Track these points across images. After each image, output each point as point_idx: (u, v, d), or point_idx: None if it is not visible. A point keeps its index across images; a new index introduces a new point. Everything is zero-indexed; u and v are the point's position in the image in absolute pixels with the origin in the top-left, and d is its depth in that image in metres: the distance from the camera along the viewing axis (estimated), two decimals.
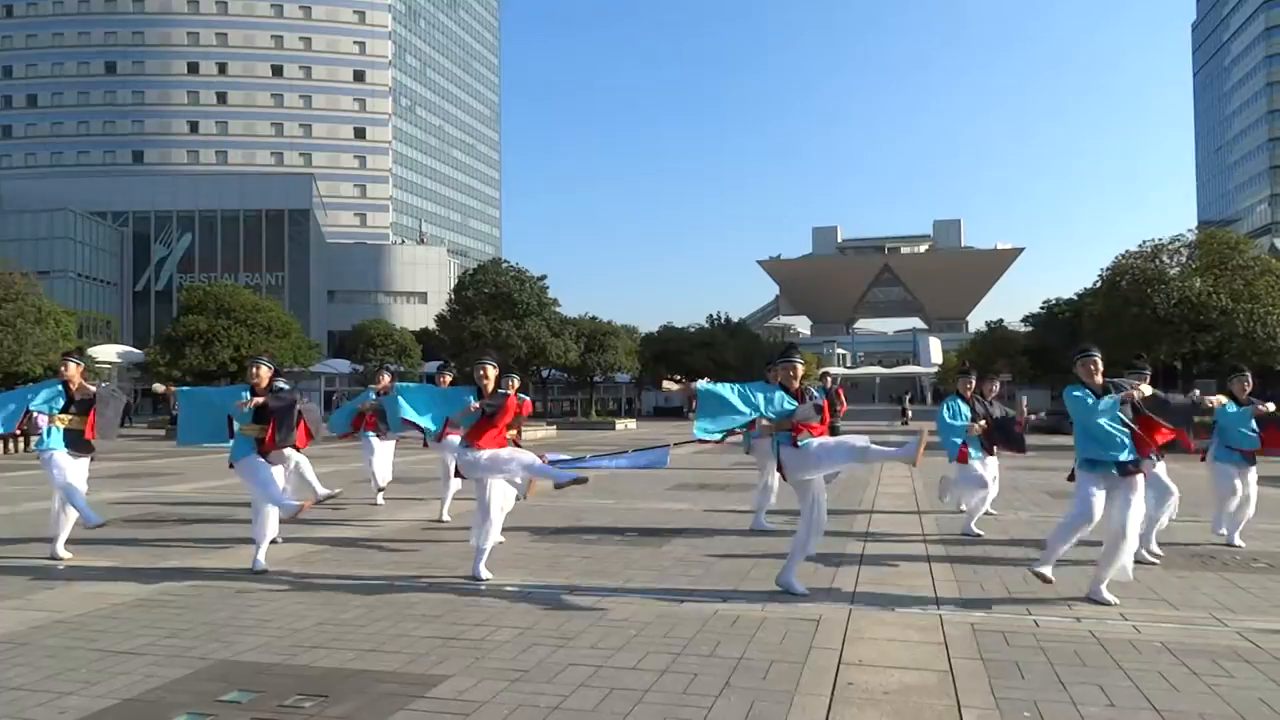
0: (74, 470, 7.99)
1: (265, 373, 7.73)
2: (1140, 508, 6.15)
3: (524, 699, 4.17)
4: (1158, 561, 7.49)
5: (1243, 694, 4.22)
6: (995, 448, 9.43)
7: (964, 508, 9.57)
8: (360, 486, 12.96)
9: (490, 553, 7.10)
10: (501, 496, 7.37)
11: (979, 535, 9.00)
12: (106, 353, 45.49)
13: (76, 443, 8.02)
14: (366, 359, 50.38)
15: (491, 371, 7.13)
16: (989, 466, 9.37)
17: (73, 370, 8.16)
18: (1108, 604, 5.95)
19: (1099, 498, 6.02)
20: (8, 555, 8.16)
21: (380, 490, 11.79)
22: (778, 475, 9.32)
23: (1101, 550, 6.09)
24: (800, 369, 6.53)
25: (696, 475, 15.88)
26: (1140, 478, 6.08)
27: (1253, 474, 8.37)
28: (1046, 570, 6.05)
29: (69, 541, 8.07)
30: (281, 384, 8.34)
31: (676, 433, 35.39)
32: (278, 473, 7.78)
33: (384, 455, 11.71)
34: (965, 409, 9.23)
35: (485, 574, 6.90)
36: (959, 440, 9.13)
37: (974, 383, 9.39)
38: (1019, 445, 9.54)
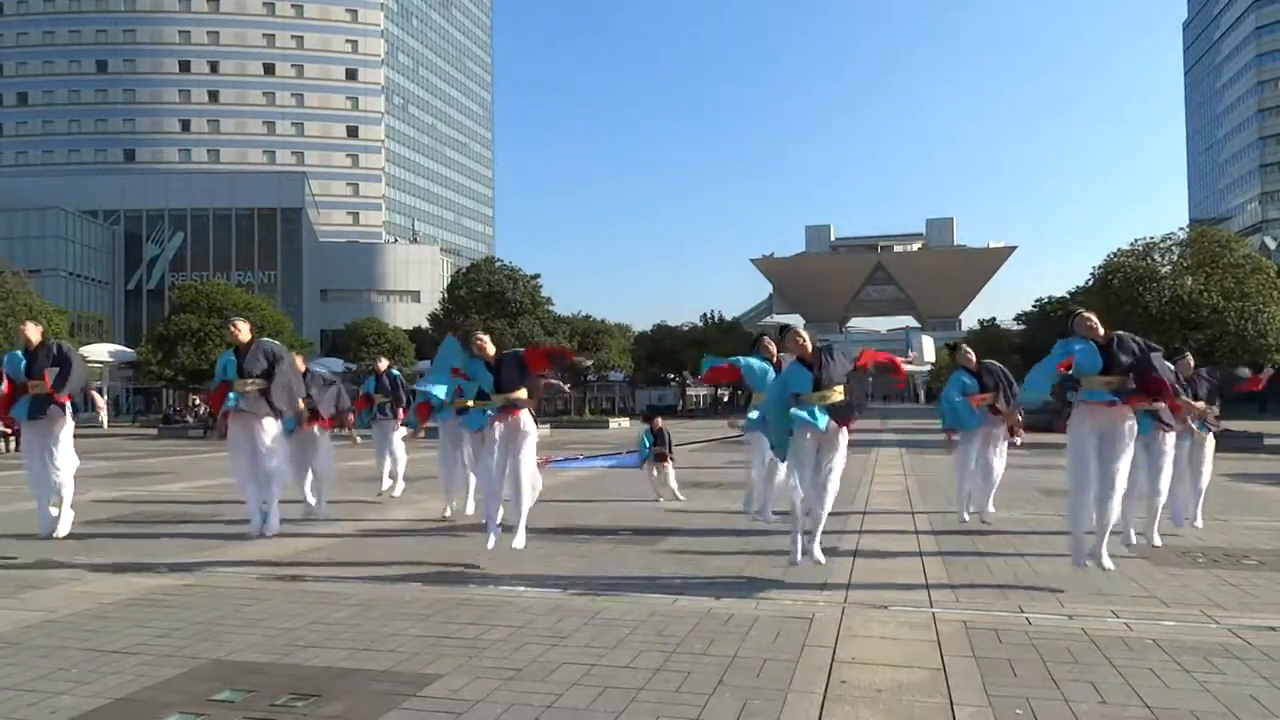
0: (36, 457, 7.83)
1: (244, 326, 8.10)
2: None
3: (517, 698, 4.16)
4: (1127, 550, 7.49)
5: (1234, 691, 4.24)
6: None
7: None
8: (363, 486, 12.93)
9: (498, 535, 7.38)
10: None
11: (965, 522, 9.04)
12: (98, 351, 45.29)
13: (39, 408, 7.79)
14: (360, 358, 50.31)
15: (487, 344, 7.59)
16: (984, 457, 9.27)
17: (31, 330, 7.91)
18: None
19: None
20: None
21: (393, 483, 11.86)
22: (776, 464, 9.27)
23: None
24: (806, 337, 6.57)
25: (689, 474, 15.85)
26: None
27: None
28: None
29: (69, 536, 8.03)
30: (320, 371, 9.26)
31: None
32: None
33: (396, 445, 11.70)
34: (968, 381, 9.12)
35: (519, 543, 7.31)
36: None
37: (973, 355, 9.40)
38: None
